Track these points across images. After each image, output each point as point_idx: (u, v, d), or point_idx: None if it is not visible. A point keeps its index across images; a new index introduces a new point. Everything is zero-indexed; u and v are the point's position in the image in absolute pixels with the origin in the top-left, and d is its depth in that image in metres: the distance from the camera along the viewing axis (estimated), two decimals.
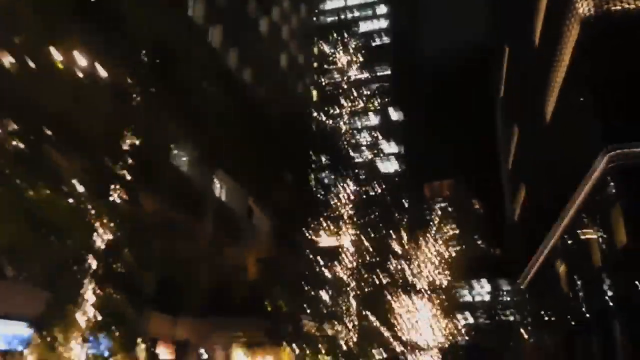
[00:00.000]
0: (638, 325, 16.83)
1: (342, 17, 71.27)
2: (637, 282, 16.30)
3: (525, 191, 38.42)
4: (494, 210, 59.58)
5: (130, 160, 12.40)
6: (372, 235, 16.89)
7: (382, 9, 72.33)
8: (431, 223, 26.34)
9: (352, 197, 17.24)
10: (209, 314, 25.68)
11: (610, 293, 19.42)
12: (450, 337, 28.45)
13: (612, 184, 17.91)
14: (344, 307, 15.95)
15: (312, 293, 16.26)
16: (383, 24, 71.76)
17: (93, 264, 11.67)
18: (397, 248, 23.20)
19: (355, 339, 15.75)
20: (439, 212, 28.74)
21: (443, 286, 25.07)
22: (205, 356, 27.09)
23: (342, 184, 17.26)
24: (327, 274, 16.40)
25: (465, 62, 71.80)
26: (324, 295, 16.19)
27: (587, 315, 23.62)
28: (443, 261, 25.79)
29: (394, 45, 69.96)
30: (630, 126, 17.63)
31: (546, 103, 26.70)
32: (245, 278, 25.06)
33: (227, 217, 31.74)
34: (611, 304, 19.41)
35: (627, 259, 16.81)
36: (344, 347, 15.70)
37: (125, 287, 11.78)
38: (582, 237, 23.02)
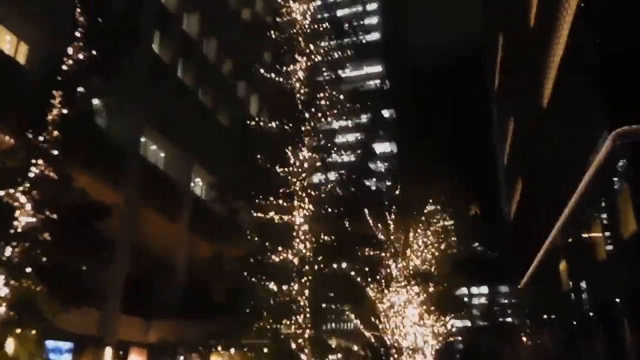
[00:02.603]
0: None
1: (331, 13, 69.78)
2: None
3: (521, 186, 36.69)
4: (490, 210, 57.87)
5: (55, 133, 10.56)
6: (332, 211, 14.79)
7: (372, 5, 70.83)
8: (423, 212, 24.26)
9: (305, 165, 15.13)
10: (186, 316, 23.58)
11: (617, 288, 17.57)
12: (443, 339, 26.36)
13: (618, 165, 16.05)
14: (293, 298, 13.85)
15: (254, 280, 14.21)
16: (373, 20, 70.30)
17: (7, 250, 9.74)
18: (377, 232, 21.07)
19: (306, 337, 13.63)
20: (432, 209, 26.80)
21: (433, 282, 23.03)
22: None
23: (297, 150, 15.11)
24: (276, 259, 14.36)
25: (459, 58, 70.29)
26: (272, 285, 14.12)
27: (590, 313, 21.80)
28: (433, 256, 23.81)
29: (385, 42, 68.44)
30: (637, 102, 15.78)
31: (543, 87, 24.98)
32: (223, 277, 22.96)
33: (204, 213, 29.80)
34: (618, 299, 17.58)
35: (637, 247, 14.90)
36: (293, 346, 13.61)
37: (46, 279, 9.82)
38: (584, 229, 21.22)
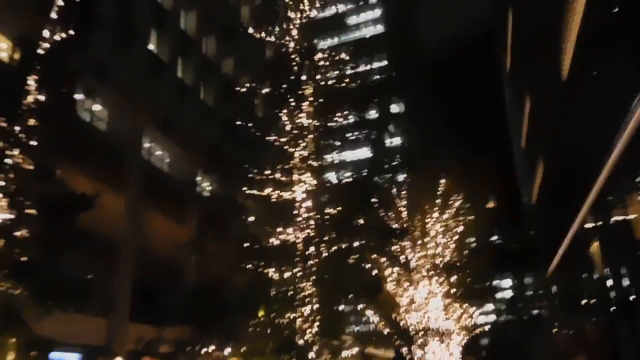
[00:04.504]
0: None
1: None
2: None
3: (543, 167, 35.01)
4: (509, 198, 55.78)
5: (32, 121, 9.60)
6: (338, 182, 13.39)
7: None
8: (435, 199, 22.89)
9: (305, 133, 13.76)
10: (198, 321, 22.49)
11: None
12: (468, 333, 24.90)
13: None
14: (297, 287, 12.46)
15: (250, 267, 12.89)
16: (377, 13, 68.93)
17: None
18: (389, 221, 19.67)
19: (314, 331, 12.19)
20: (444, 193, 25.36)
21: (454, 272, 21.63)
22: None
23: (293, 117, 13.76)
24: (275, 241, 12.99)
25: (467, 44, 68.47)
26: (272, 272, 12.75)
27: (631, 297, 20.17)
28: (454, 242, 22.44)
29: (390, 33, 67.00)
30: None
31: (561, 57, 23.44)
32: (235, 278, 21.78)
33: (212, 213, 28.79)
34: None
35: None
36: (300, 342, 12.22)
37: (26, 280, 8.82)
38: (618, 206, 19.65)
